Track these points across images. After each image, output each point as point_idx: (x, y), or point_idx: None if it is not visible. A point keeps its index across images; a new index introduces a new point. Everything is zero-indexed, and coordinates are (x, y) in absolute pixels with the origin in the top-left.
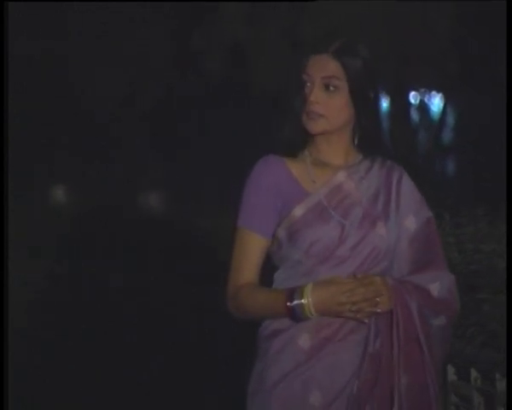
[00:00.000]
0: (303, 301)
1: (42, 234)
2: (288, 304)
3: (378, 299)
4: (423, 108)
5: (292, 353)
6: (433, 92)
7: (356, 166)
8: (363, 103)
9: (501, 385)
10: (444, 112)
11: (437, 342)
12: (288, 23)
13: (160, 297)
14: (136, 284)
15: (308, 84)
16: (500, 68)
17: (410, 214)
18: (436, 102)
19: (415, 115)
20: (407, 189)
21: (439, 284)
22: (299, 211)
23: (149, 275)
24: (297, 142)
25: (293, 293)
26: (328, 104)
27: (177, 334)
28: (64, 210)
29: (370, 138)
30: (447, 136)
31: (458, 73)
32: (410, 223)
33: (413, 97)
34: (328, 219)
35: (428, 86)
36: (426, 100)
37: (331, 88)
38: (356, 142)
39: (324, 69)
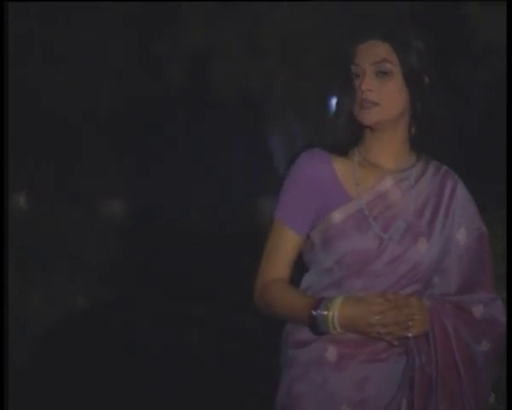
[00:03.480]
0: (327, 313)
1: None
2: (312, 312)
3: (410, 323)
4: None
5: (319, 366)
6: None
7: (407, 170)
8: (418, 87)
9: None
10: None
11: (480, 369)
12: (248, 29)
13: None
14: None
15: (358, 75)
16: (455, 70)
17: (462, 227)
18: None
19: None
20: (461, 200)
21: (482, 306)
22: (337, 216)
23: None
24: (347, 139)
25: (319, 302)
26: (382, 91)
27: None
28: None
29: (426, 129)
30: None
31: None
32: (461, 236)
33: None
34: (367, 229)
35: None
36: None
37: (383, 73)
38: (413, 131)
39: (374, 54)
